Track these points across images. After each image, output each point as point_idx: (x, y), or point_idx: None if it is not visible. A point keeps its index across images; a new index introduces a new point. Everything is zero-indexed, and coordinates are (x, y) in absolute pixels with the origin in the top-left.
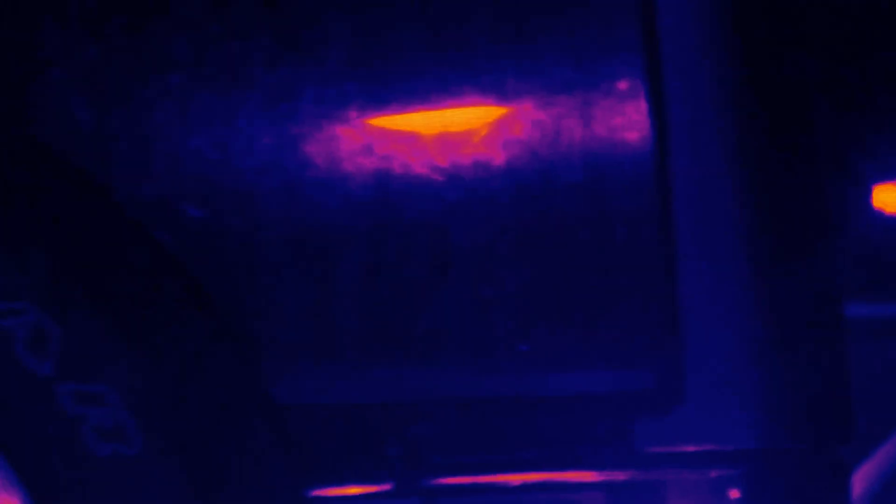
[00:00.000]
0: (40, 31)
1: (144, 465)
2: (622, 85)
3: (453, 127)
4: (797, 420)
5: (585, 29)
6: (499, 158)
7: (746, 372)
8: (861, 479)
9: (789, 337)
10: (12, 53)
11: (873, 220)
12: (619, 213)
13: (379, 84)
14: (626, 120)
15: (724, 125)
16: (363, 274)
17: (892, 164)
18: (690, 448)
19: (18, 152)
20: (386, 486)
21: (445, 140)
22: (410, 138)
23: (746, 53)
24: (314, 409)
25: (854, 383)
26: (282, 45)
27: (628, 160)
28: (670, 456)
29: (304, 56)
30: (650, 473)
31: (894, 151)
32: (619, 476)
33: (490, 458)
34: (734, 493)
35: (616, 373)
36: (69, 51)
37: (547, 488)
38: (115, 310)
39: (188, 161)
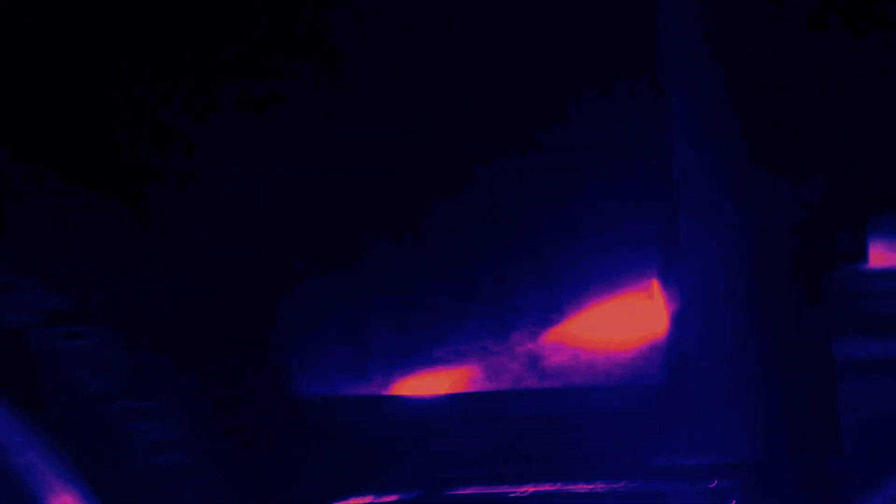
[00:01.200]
0: None
1: (189, 475)
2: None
3: None
4: (789, 435)
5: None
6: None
7: (743, 391)
8: None
9: (783, 361)
10: None
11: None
12: (627, 235)
13: None
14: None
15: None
16: (392, 298)
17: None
18: (692, 461)
19: (76, 182)
20: (407, 497)
21: None
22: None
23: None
24: (343, 425)
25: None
26: None
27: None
28: (673, 468)
29: None
30: (654, 485)
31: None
32: (625, 487)
33: (503, 470)
34: (730, 500)
35: (624, 392)
36: None
37: (557, 499)
38: (169, 331)
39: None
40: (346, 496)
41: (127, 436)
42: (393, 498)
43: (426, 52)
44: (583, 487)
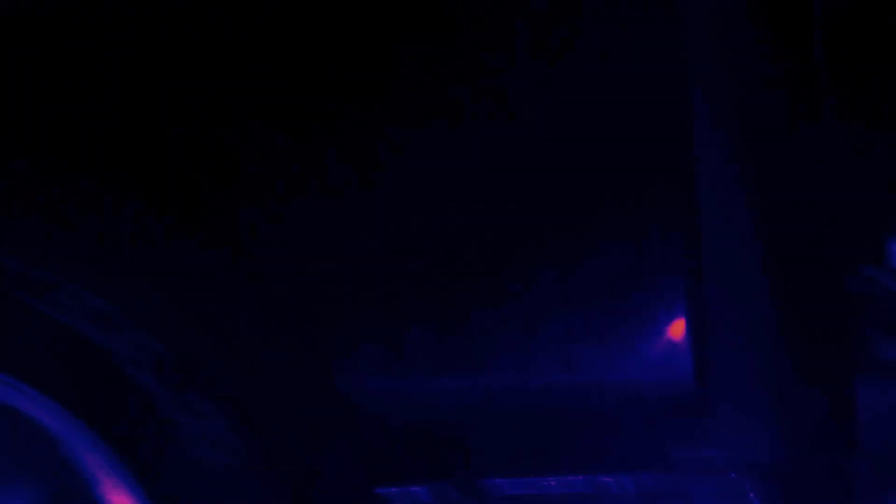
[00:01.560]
0: None
1: (237, 466)
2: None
3: None
4: (807, 431)
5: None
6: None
7: (764, 389)
8: None
9: (802, 359)
10: None
11: None
12: (652, 246)
13: None
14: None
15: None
16: (429, 295)
17: None
18: (714, 454)
19: (120, 187)
20: (441, 486)
21: None
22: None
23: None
24: (384, 418)
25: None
26: None
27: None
28: (695, 461)
29: None
30: (677, 477)
31: None
32: (650, 478)
33: (535, 461)
34: (752, 496)
35: (650, 387)
36: None
37: (582, 489)
38: (210, 329)
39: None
40: (384, 486)
41: (174, 432)
42: (428, 487)
43: (455, 67)
44: (607, 479)
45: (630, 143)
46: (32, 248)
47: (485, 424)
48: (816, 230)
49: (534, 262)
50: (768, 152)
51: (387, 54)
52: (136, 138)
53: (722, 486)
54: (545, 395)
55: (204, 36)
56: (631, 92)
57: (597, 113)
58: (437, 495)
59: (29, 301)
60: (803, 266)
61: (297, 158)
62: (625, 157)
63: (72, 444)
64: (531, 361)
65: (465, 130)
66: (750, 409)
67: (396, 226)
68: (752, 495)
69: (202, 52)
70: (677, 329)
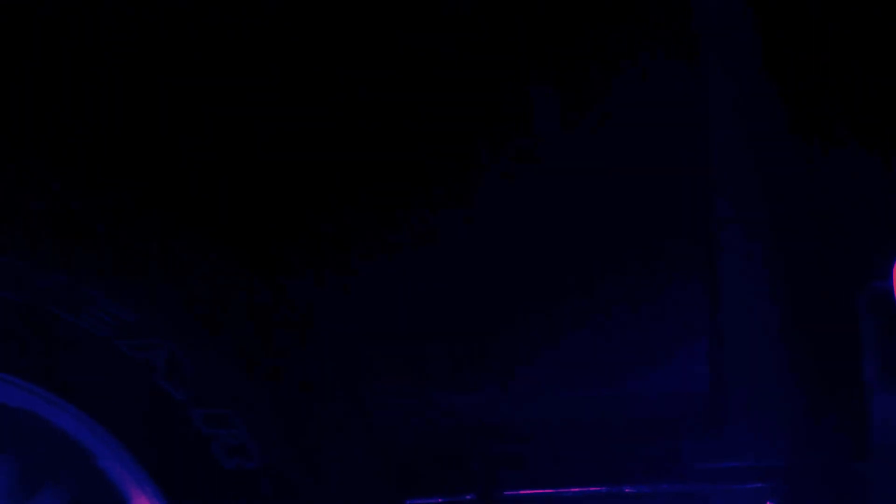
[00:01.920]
0: None
1: (263, 477)
2: None
3: None
4: (821, 440)
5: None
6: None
7: (779, 401)
8: None
9: (817, 369)
10: None
11: None
12: (669, 261)
13: None
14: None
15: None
16: (453, 309)
17: None
18: (731, 464)
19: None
20: (468, 496)
21: None
22: None
23: None
24: (409, 430)
25: None
26: None
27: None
28: (714, 471)
29: None
30: (696, 486)
31: None
32: (670, 488)
33: (558, 472)
34: (770, 503)
35: (669, 402)
36: None
37: (607, 499)
38: (235, 345)
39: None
40: (415, 496)
41: (202, 442)
42: (452, 498)
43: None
44: (628, 488)
45: (650, 157)
46: (64, 263)
47: (507, 436)
48: (829, 243)
49: (555, 277)
50: (783, 168)
51: (399, 55)
52: (157, 150)
53: (740, 494)
54: (565, 408)
55: (208, 37)
56: (648, 100)
57: (617, 127)
58: None
59: (62, 315)
60: (816, 278)
61: (316, 168)
62: (644, 174)
63: (100, 455)
64: (551, 375)
65: (486, 145)
66: (766, 417)
67: (420, 238)
68: (769, 502)
69: (209, 54)
70: (694, 341)
